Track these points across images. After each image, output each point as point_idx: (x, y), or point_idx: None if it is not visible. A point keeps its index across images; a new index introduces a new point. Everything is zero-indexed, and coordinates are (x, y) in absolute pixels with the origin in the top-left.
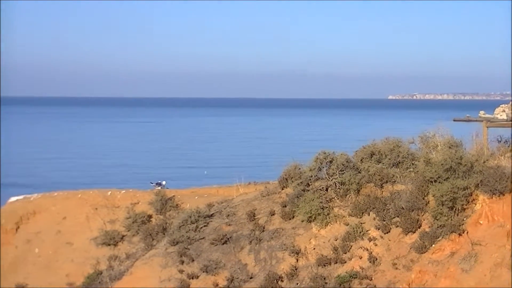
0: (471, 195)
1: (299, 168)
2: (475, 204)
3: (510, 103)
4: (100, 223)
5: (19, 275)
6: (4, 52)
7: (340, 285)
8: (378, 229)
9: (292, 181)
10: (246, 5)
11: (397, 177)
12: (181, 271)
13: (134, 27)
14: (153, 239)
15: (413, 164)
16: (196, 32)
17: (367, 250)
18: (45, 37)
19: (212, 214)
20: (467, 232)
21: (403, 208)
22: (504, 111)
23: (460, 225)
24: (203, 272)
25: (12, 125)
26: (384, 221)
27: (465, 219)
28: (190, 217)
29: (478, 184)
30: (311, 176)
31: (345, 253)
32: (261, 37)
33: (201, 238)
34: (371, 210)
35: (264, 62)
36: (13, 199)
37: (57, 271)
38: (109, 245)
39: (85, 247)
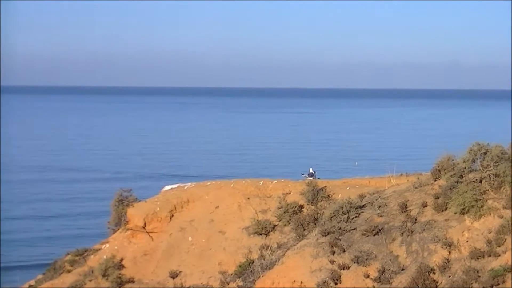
0: None
1: (452, 160)
2: None
3: None
4: (252, 212)
5: (173, 262)
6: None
7: (494, 279)
8: None
9: (445, 173)
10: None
11: None
12: (332, 262)
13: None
14: (304, 229)
15: None
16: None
17: None
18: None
19: (364, 205)
20: None
21: None
22: None
23: None
24: (354, 263)
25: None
26: None
27: None
28: (342, 207)
29: None
30: (465, 168)
31: (499, 246)
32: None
33: (353, 229)
34: None
35: (423, 52)
36: (167, 187)
37: (209, 259)
38: (260, 234)
39: (237, 236)
